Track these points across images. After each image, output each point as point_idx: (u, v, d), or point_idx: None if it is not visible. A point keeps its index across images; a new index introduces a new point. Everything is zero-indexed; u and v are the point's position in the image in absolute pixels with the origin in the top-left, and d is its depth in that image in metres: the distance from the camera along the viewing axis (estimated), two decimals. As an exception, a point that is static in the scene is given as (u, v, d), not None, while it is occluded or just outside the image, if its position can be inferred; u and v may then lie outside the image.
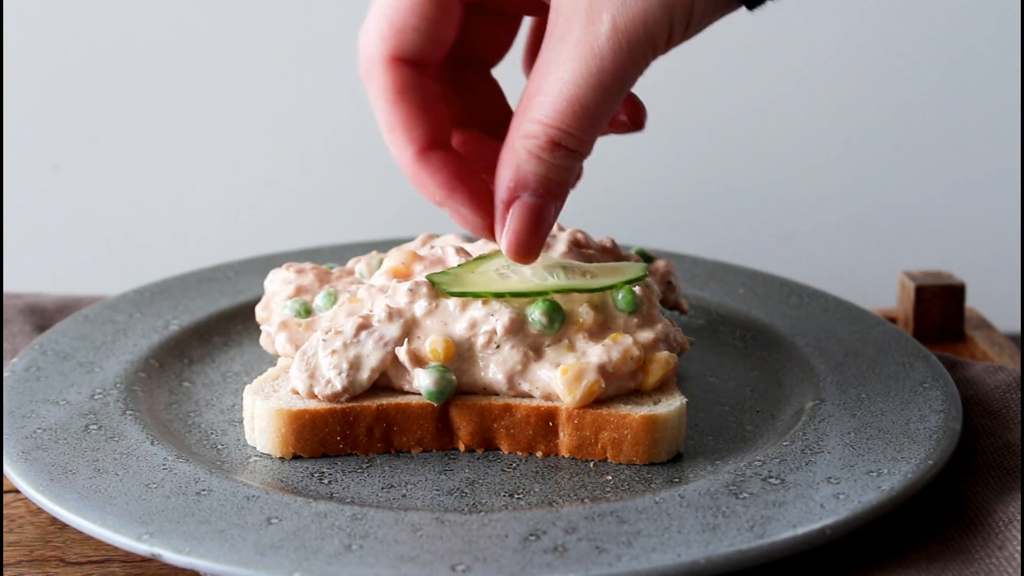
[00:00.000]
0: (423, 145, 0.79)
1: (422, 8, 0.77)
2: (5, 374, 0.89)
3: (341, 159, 1.40)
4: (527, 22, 0.86)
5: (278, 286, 0.93)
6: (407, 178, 0.80)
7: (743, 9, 0.73)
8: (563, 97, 0.72)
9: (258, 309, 0.94)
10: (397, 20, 0.77)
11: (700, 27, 0.73)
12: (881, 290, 1.30)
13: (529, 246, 0.78)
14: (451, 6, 0.78)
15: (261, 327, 0.93)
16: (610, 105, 0.73)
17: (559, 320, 0.83)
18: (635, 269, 0.88)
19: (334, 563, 0.68)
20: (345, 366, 0.83)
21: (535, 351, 0.83)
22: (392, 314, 0.84)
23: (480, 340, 0.83)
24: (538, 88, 0.73)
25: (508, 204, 0.76)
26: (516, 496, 0.78)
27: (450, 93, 0.84)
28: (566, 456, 0.83)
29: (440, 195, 0.79)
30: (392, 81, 0.78)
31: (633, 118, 0.84)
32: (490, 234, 0.79)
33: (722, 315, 1.03)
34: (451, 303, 0.84)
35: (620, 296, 0.85)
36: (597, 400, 0.82)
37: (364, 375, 0.83)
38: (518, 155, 0.75)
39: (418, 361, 0.83)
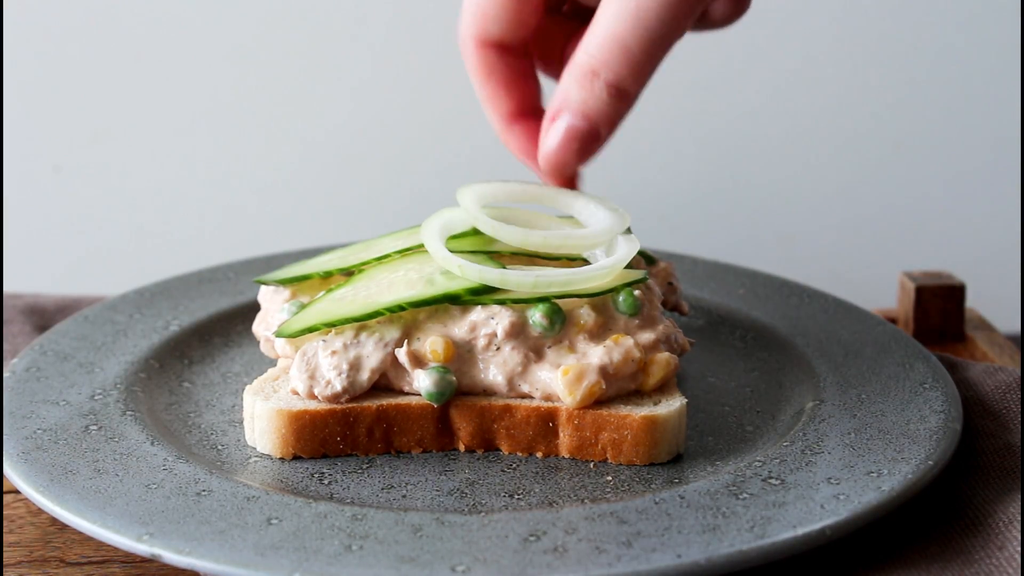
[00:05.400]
0: (508, 114, 0.89)
1: None
2: (5, 374, 0.89)
3: (341, 159, 1.40)
4: None
5: (272, 299, 0.92)
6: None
7: (746, 9, 0.75)
8: (605, 34, 0.80)
9: (255, 327, 0.93)
10: (482, 7, 0.87)
11: None
12: (881, 290, 1.30)
13: (560, 162, 0.84)
14: None
15: (259, 336, 0.93)
16: (650, 42, 0.79)
17: (560, 322, 0.83)
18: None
19: (334, 563, 0.68)
20: (345, 367, 0.82)
21: (536, 352, 0.83)
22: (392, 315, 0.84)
23: (481, 342, 0.83)
24: (591, 26, 0.81)
25: (551, 120, 0.83)
26: (516, 497, 0.78)
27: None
28: (566, 457, 0.83)
29: (520, 158, 0.89)
30: (479, 61, 0.88)
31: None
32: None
33: (722, 316, 1.03)
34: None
35: (621, 298, 0.85)
36: (597, 401, 0.82)
37: (364, 376, 0.83)
38: (564, 81, 0.82)
39: (418, 362, 0.83)
